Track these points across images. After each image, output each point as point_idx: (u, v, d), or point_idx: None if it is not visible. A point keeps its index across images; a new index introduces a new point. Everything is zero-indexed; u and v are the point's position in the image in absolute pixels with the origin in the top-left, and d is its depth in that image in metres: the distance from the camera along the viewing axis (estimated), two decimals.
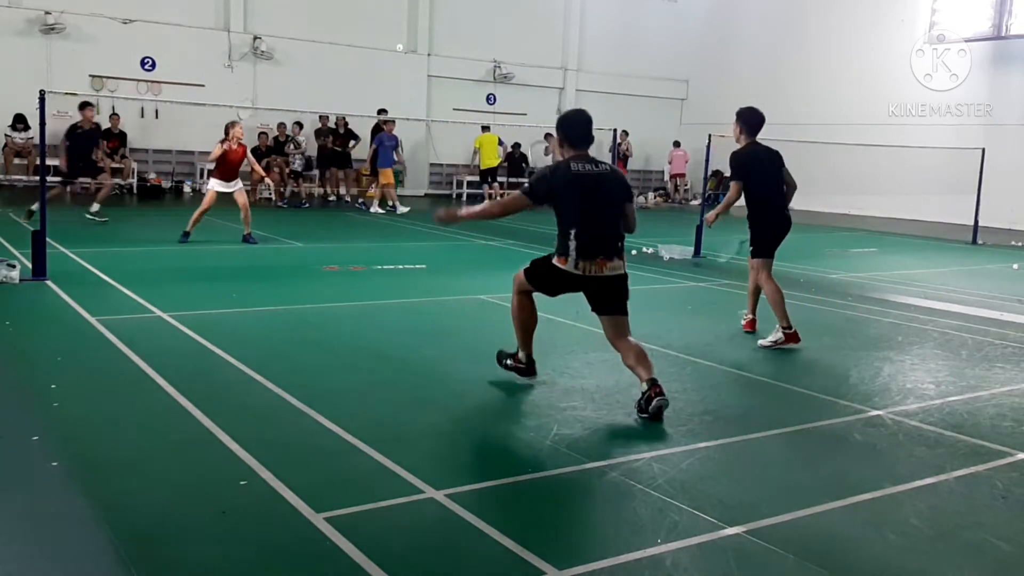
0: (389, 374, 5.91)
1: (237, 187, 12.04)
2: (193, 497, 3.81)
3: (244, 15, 20.85)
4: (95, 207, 13.44)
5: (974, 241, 16.91)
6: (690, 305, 9.33)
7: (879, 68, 22.71)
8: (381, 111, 18.68)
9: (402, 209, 17.82)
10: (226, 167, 11.92)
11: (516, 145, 23.14)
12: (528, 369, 5.74)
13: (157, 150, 20.14)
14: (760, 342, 7.19)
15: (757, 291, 7.53)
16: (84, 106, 13.94)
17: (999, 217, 19.15)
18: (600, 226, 5.24)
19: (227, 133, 11.92)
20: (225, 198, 11.97)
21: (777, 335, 7.14)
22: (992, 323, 8.64)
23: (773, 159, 7.34)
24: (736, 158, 7.32)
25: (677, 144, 25.58)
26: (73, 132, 14.08)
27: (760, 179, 7.26)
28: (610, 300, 5.34)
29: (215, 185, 11.95)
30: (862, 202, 22.38)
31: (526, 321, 5.64)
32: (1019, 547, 3.68)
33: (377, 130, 18.94)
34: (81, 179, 14.37)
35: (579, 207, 5.20)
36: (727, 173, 8.03)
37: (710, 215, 8.09)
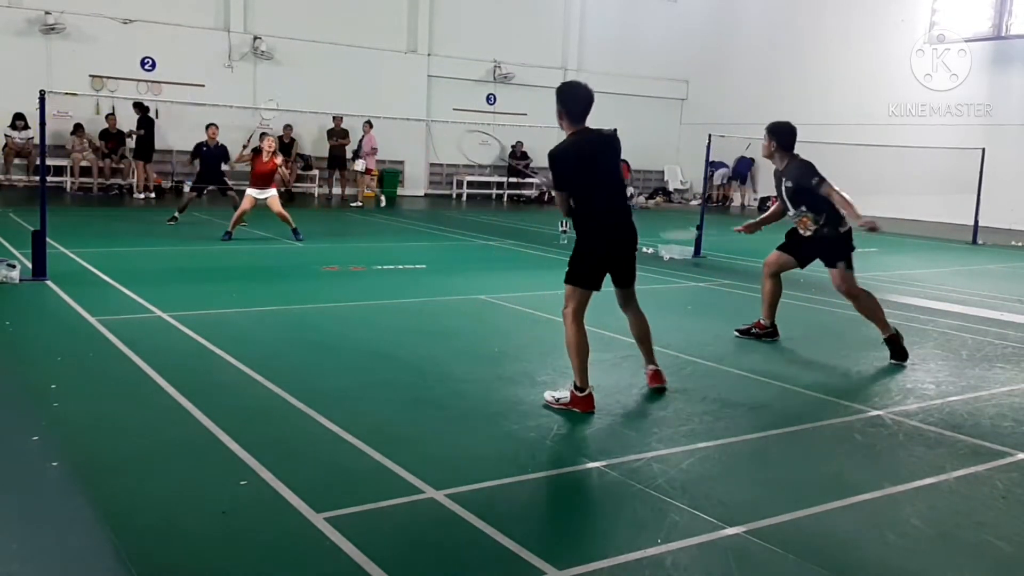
0: (389, 374, 5.91)
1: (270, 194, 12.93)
2: (193, 497, 3.80)
3: (244, 15, 20.85)
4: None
5: (974, 241, 16.91)
6: (690, 305, 9.33)
7: (879, 68, 22.72)
8: None
9: None
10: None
11: (518, 143, 23.17)
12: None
13: (157, 150, 20.11)
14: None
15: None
16: (209, 126, 14.53)
17: (999, 217, 19.16)
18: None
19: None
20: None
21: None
22: (992, 323, 8.64)
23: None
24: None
25: (370, 124, 20.13)
26: (200, 150, 14.74)
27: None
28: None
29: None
30: (862, 202, 21.93)
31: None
32: (1019, 547, 3.68)
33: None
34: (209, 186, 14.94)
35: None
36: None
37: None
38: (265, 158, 12.67)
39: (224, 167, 14.68)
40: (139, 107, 18.66)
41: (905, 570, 3.46)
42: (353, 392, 5.47)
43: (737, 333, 7.46)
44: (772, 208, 7.46)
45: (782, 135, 7.01)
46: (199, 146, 14.92)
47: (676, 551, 3.44)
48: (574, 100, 5.18)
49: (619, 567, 3.30)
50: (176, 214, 13.91)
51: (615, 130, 5.33)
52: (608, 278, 5.42)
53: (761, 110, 24.73)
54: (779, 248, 7.35)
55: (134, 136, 18.91)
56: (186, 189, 19.85)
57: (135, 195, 18.61)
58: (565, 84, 5.34)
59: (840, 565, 3.41)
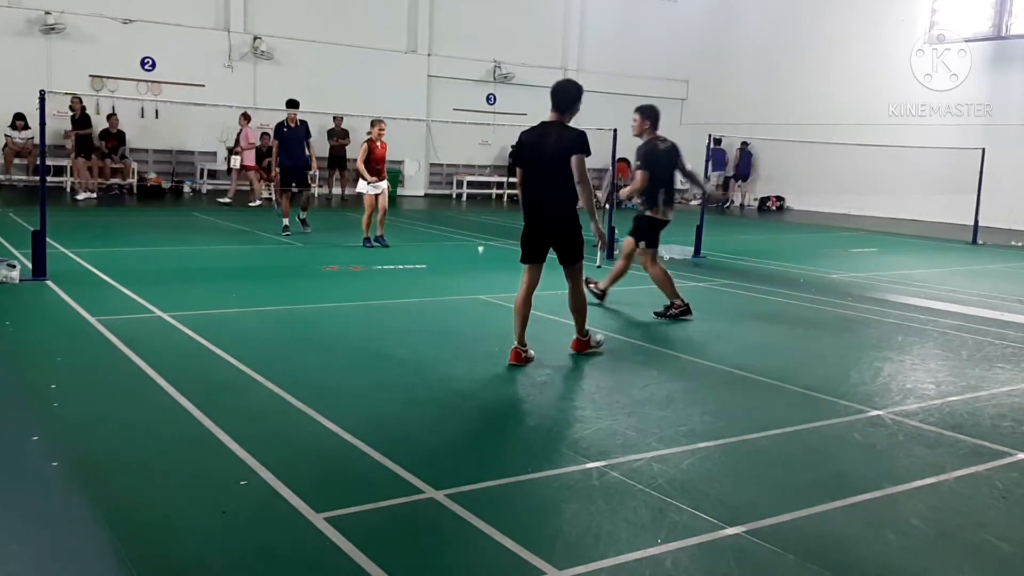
0: (389, 374, 5.91)
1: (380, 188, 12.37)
2: (193, 497, 3.81)
3: (244, 15, 20.85)
4: (303, 215, 13.36)
5: (974, 241, 16.90)
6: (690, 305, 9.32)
7: (879, 68, 22.71)
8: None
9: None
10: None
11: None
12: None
13: (157, 150, 20.14)
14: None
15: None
16: (290, 104, 13.47)
17: (999, 217, 19.15)
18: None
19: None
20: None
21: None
22: (992, 323, 8.64)
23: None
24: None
25: (246, 117, 18.69)
26: (280, 131, 13.49)
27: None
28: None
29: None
30: (862, 202, 22.37)
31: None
32: (1019, 547, 3.68)
33: None
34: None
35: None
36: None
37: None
38: (378, 143, 12.24)
39: (307, 151, 13.51)
40: (77, 101, 17.95)
41: (905, 570, 3.46)
42: (353, 392, 5.47)
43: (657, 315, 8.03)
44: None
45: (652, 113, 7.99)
46: (280, 127, 13.56)
47: (676, 551, 3.44)
48: (552, 92, 6.08)
49: (619, 567, 3.30)
50: (284, 220, 13.31)
51: (583, 132, 5.94)
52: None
53: (761, 110, 24.86)
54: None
55: (74, 135, 18.01)
56: (186, 189, 19.93)
57: (78, 196, 17.39)
58: (558, 81, 6.22)
59: (840, 565, 3.41)
